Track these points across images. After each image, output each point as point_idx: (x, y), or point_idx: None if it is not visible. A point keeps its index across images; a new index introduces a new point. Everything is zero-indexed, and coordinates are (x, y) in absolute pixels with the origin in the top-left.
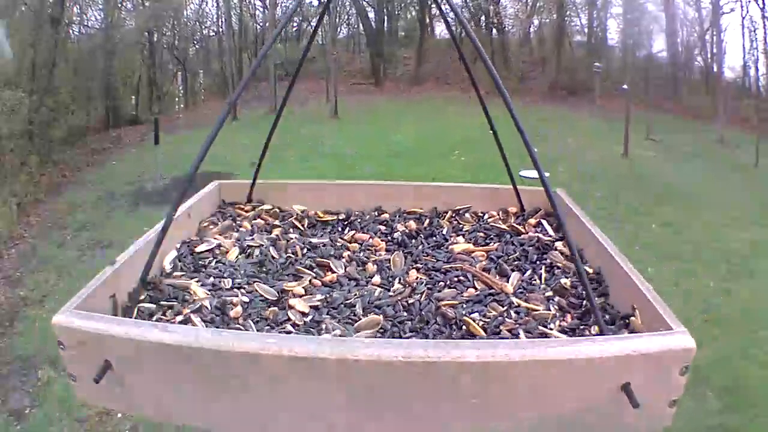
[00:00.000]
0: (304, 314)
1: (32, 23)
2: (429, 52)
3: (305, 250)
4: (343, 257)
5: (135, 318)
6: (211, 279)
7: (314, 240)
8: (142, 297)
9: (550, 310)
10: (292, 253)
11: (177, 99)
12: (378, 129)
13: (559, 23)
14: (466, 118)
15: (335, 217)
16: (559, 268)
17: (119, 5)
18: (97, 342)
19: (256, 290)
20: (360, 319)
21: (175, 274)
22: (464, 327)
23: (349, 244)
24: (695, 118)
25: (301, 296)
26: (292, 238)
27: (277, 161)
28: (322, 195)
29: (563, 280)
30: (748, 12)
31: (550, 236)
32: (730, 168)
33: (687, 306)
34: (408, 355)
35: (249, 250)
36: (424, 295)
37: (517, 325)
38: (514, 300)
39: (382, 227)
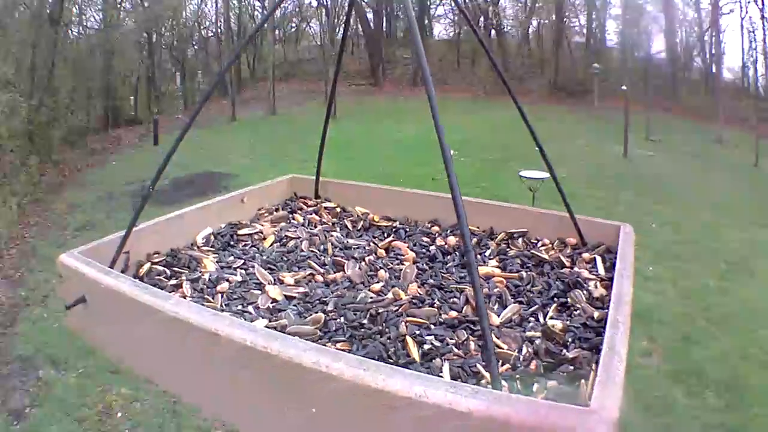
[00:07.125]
0: (275, 300)
1: (31, 23)
2: (428, 53)
3: (336, 249)
4: (365, 261)
5: (143, 274)
6: (231, 258)
7: (351, 241)
8: (152, 260)
9: (519, 351)
10: (324, 250)
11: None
12: (377, 129)
13: (558, 24)
14: (466, 119)
15: (390, 224)
16: (576, 309)
17: (118, 5)
18: (78, 279)
19: (255, 273)
20: (327, 315)
21: (203, 248)
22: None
23: (379, 250)
24: (694, 118)
25: (288, 285)
26: (332, 236)
27: (275, 161)
28: (386, 201)
29: (557, 323)
30: (747, 13)
31: (596, 275)
32: (729, 168)
33: (686, 305)
34: (253, 341)
35: (284, 240)
36: (402, 308)
37: (457, 358)
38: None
39: (426, 239)
